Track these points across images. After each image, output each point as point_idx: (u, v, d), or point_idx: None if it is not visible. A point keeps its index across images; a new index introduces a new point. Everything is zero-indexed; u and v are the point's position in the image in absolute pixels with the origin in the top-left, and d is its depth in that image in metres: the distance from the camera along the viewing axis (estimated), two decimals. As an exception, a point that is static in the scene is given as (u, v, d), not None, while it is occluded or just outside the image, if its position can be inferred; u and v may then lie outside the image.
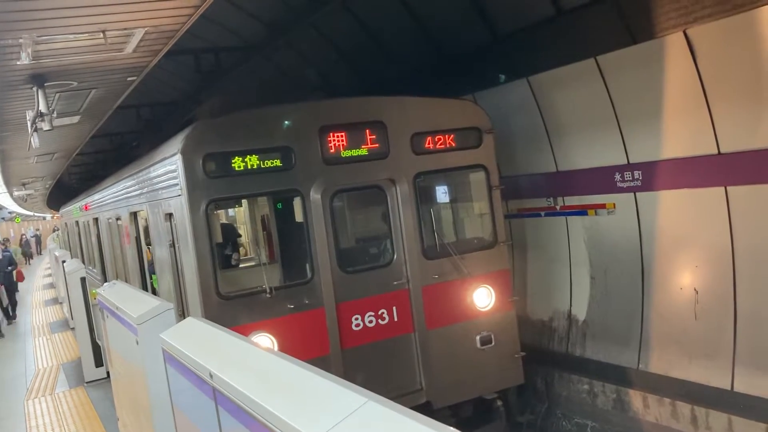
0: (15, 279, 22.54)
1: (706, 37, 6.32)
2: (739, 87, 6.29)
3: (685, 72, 6.63)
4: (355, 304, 6.99)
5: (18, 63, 5.52)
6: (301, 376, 2.55)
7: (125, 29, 5.17)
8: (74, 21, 4.79)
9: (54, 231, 59.36)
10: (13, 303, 22.05)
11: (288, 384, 2.57)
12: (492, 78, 8.98)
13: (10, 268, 21.44)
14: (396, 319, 7.15)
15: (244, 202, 8.83)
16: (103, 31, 5.07)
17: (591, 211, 8.34)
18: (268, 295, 6.57)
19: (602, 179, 8.01)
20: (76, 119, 8.54)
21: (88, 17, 4.76)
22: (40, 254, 57.38)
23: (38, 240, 58.13)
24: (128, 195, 9.71)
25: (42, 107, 6.37)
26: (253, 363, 3.03)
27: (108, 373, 9.56)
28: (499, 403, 7.59)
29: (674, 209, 7.33)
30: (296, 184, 6.85)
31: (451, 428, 1.74)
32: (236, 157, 6.52)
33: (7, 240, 31.77)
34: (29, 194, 23.12)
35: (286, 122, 6.81)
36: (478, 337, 7.49)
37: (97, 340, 12.29)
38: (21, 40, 4.96)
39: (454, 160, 7.58)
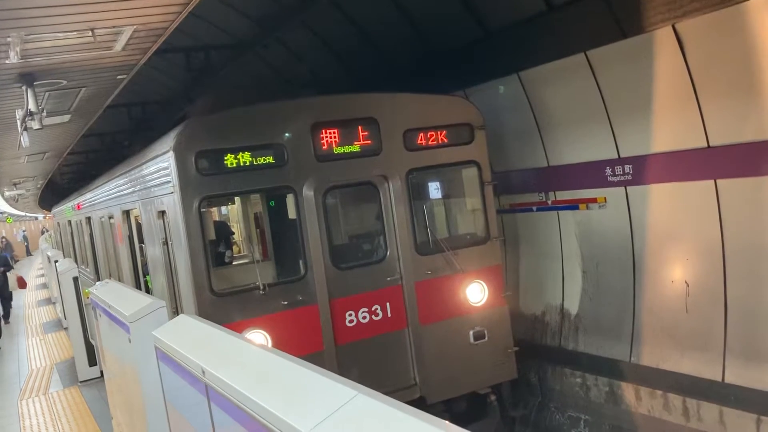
0: (9, 285, 20.51)
1: (695, 30, 6.36)
2: (728, 80, 6.32)
3: (674, 66, 6.66)
4: (349, 300, 7.01)
5: (6, 62, 5.50)
6: (291, 371, 2.56)
7: (114, 27, 5.15)
8: (62, 19, 4.78)
9: (42, 233, 59.00)
10: (6, 310, 19.50)
11: (279, 378, 2.58)
12: (483, 74, 9.00)
13: (2, 269, 19.55)
14: (389, 315, 7.17)
15: (237, 199, 8.83)
16: (92, 30, 5.06)
17: (582, 206, 8.38)
18: (261, 292, 6.57)
19: (593, 173, 8.05)
20: (66, 118, 8.50)
21: (76, 15, 4.74)
22: (31, 255, 57.09)
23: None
24: (121, 193, 9.68)
25: (31, 106, 6.35)
26: (244, 359, 3.05)
27: (102, 372, 9.55)
28: (493, 397, 7.62)
29: (665, 203, 7.37)
30: (289, 180, 6.84)
31: (436, 418, 1.76)
32: (228, 155, 6.51)
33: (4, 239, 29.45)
34: (20, 194, 22.98)
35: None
36: (471, 333, 7.51)
37: (91, 340, 12.27)
38: (9, 39, 4.94)
39: (447, 157, 7.59)
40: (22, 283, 21.24)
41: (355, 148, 7.07)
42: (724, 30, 6.14)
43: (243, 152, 6.55)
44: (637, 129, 7.34)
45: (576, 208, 8.49)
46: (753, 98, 6.12)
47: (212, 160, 6.48)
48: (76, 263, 15.16)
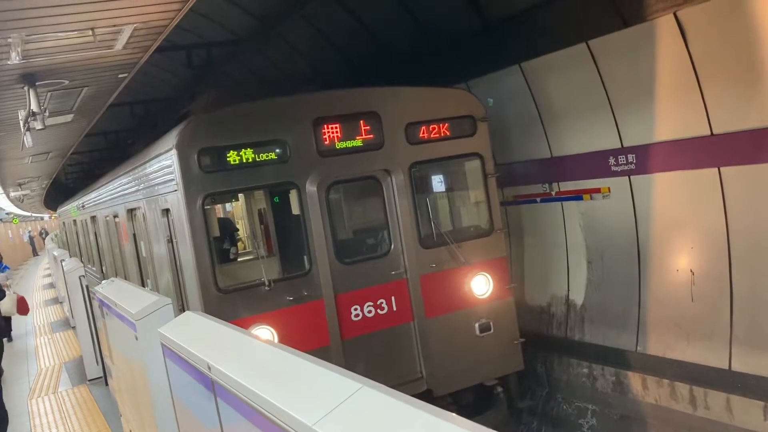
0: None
1: (697, 18, 6.32)
2: (731, 68, 6.28)
3: (676, 54, 6.62)
4: (354, 294, 7.02)
5: (8, 62, 5.52)
6: (296, 365, 2.57)
7: (114, 26, 5.16)
8: (63, 19, 4.78)
9: (41, 235, 59.12)
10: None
11: (284, 373, 2.59)
12: (485, 65, 8.97)
13: None
14: (395, 309, 7.18)
15: (241, 195, 8.84)
16: (92, 29, 5.06)
17: (586, 196, 8.36)
18: (267, 288, 6.59)
19: (597, 163, 8.02)
20: (69, 118, 8.52)
21: (76, 15, 4.75)
22: (38, 255, 57.38)
23: None
24: (125, 192, 9.71)
25: (34, 106, 6.36)
26: (249, 354, 3.06)
27: (104, 371, 9.56)
28: (500, 389, 7.63)
29: (669, 191, 7.35)
30: (292, 176, 6.85)
31: (441, 409, 1.77)
32: (231, 151, 6.53)
33: None
34: (26, 194, 23.05)
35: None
36: (477, 325, 7.52)
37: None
38: (10, 40, 4.95)
39: (449, 149, 7.59)
40: (23, 307, 14.27)
41: (357, 142, 7.07)
42: (726, 17, 6.10)
43: (245, 149, 6.56)
44: (640, 118, 7.31)
45: (580, 198, 8.47)
46: (756, 85, 6.09)
47: (215, 157, 6.49)
48: (82, 262, 15.23)
